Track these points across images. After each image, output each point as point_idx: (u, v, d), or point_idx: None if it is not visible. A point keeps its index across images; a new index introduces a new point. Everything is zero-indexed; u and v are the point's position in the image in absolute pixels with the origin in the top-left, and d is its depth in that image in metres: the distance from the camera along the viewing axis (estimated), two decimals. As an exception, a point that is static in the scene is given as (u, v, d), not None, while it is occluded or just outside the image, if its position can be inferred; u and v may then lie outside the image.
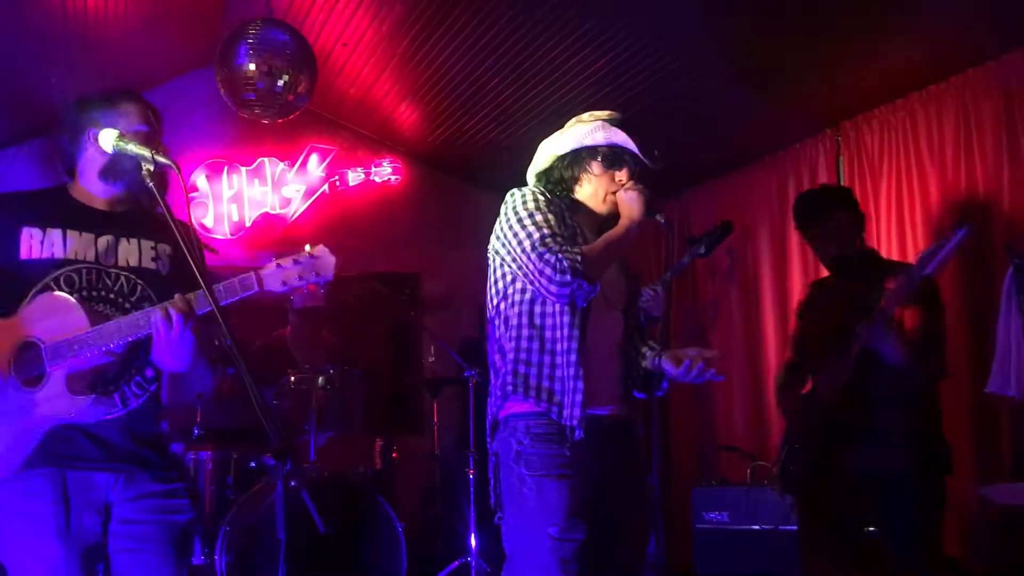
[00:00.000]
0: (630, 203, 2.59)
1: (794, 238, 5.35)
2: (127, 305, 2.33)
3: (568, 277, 2.43)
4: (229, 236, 6.39)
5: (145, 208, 2.46)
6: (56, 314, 2.21)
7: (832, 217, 3.45)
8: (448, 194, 6.90)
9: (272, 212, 6.51)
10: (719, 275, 5.97)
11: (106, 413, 2.27)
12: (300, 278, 2.19)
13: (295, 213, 6.56)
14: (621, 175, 2.64)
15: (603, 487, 2.52)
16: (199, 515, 4.51)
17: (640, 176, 2.67)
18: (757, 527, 4.43)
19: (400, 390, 6.53)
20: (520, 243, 2.52)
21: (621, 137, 2.64)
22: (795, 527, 3.80)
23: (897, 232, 4.59)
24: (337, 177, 6.62)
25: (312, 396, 4.73)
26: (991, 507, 3.74)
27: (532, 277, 2.51)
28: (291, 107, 4.54)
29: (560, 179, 2.70)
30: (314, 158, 6.60)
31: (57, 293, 2.25)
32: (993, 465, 3.99)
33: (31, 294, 2.27)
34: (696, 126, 5.34)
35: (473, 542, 5.01)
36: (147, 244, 2.43)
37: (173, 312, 2.14)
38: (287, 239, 6.57)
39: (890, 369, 3.15)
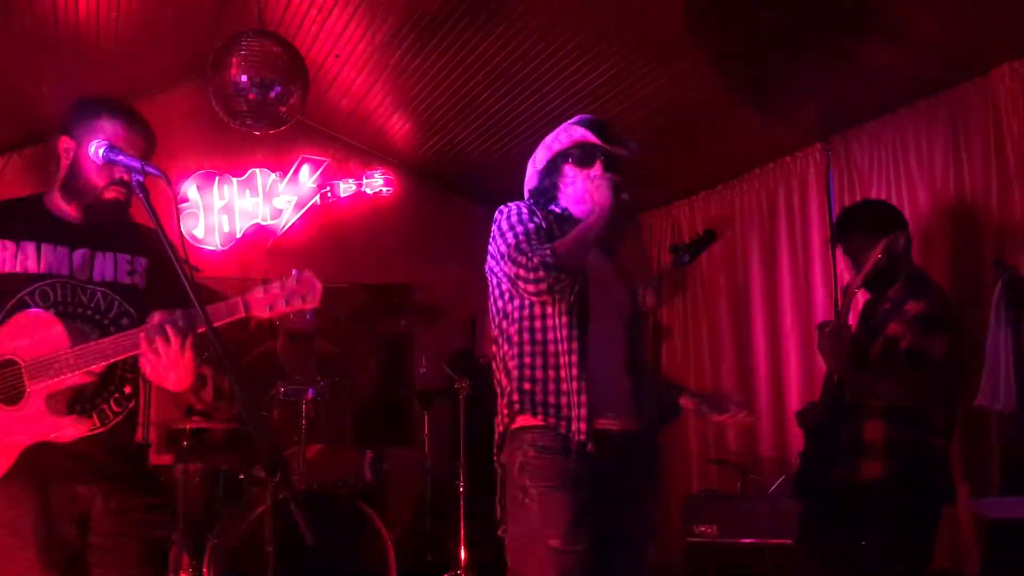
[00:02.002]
0: (597, 191, 2.62)
1: (784, 250, 5.37)
2: (105, 322, 2.30)
3: (541, 273, 2.46)
4: (220, 247, 6.38)
5: (121, 219, 2.41)
6: (35, 331, 2.17)
7: (849, 238, 3.42)
8: (439, 206, 6.91)
9: (263, 223, 6.50)
10: (709, 287, 5.98)
11: (86, 428, 2.25)
12: (286, 303, 2.17)
13: (286, 224, 6.55)
14: (595, 170, 2.66)
15: (611, 500, 2.53)
16: (183, 528, 4.48)
17: (613, 165, 2.68)
18: (748, 540, 4.43)
19: (391, 402, 6.52)
20: (502, 255, 2.57)
21: (585, 134, 2.68)
22: (785, 540, 3.79)
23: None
24: (328, 188, 6.62)
25: (302, 407, 4.71)
26: (980, 520, 3.75)
27: (513, 284, 2.55)
28: (283, 118, 4.54)
29: (545, 190, 2.75)
30: (305, 169, 6.60)
31: (35, 310, 2.21)
32: (982, 478, 4.00)
33: (6, 309, 2.23)
34: (686, 139, 5.37)
35: (463, 555, 4.99)
36: (123, 258, 2.38)
37: (171, 331, 2.11)
38: (278, 250, 6.57)
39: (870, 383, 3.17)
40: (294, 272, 2.20)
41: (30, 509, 2.19)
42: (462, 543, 4.99)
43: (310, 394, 4.74)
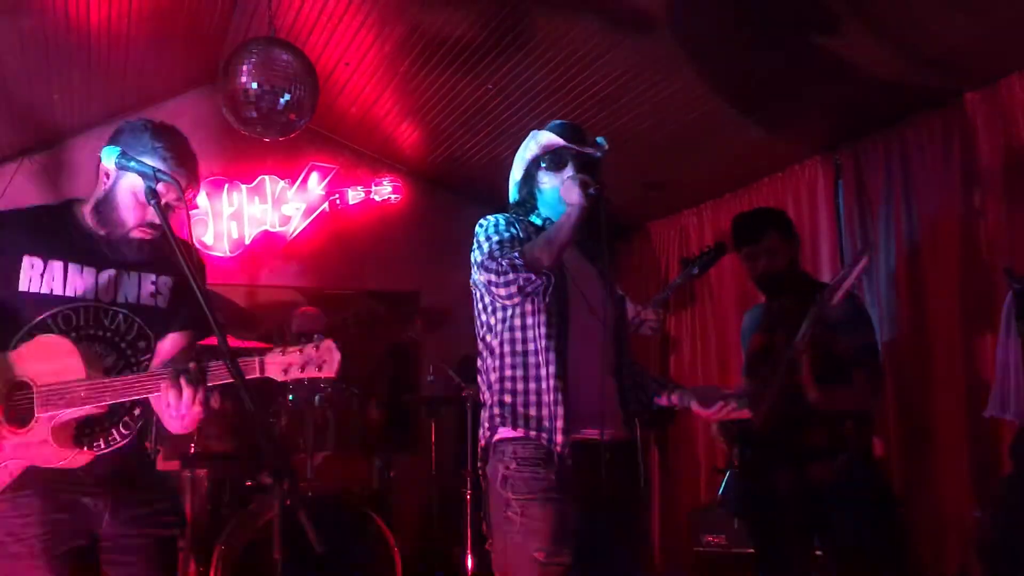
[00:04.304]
0: (567, 192, 2.60)
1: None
2: (123, 344, 2.32)
3: (510, 275, 2.45)
4: (228, 253, 6.40)
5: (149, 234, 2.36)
6: (52, 358, 2.16)
7: (761, 238, 3.46)
8: (448, 213, 6.91)
9: (272, 230, 6.52)
10: (717, 297, 5.97)
11: (88, 458, 2.25)
12: (302, 369, 2.17)
13: (295, 231, 6.57)
14: (567, 172, 2.66)
15: (595, 510, 2.51)
16: (190, 534, 4.49)
17: (585, 166, 2.67)
18: (756, 550, 4.41)
19: (398, 409, 6.52)
20: (477, 264, 2.57)
21: (552, 138, 2.69)
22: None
23: (896, 255, 4.60)
24: (337, 195, 6.64)
25: (309, 415, 4.72)
26: (988, 531, 3.73)
27: (489, 292, 2.55)
28: (292, 126, 4.55)
29: (524, 201, 2.77)
30: (314, 176, 6.62)
31: (57, 336, 2.20)
32: (991, 489, 3.98)
33: (27, 329, 2.23)
34: (695, 148, 5.36)
35: (469, 563, 4.99)
36: (148, 278, 2.38)
37: (186, 384, 2.11)
38: (287, 257, 6.58)
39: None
40: (316, 338, 2.19)
41: (37, 519, 2.20)
42: (469, 550, 4.99)
43: (317, 401, 4.75)
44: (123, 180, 2.28)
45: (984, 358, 3.84)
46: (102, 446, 2.30)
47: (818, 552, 3.36)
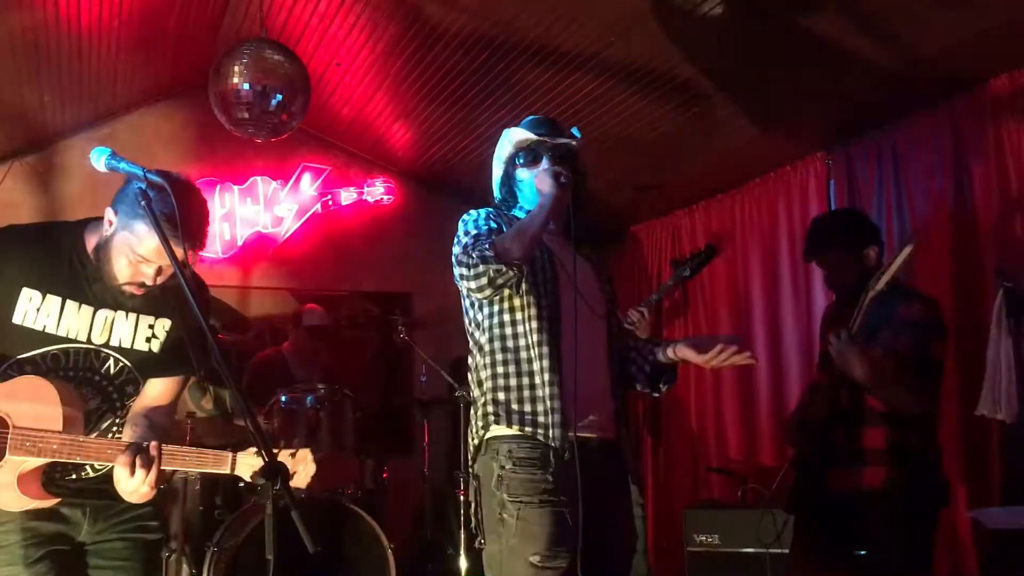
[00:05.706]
0: (540, 183, 2.61)
1: (785, 261, 5.37)
2: (110, 388, 2.30)
3: (480, 268, 2.42)
4: (221, 255, 6.39)
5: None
6: (34, 401, 2.12)
7: (828, 252, 3.42)
8: (440, 214, 6.87)
9: (264, 231, 6.51)
10: (709, 296, 5.98)
11: (51, 503, 2.22)
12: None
13: (287, 232, 6.56)
14: (544, 166, 2.66)
15: (590, 511, 2.49)
16: (183, 536, 4.47)
17: (561, 158, 2.66)
18: (748, 549, 4.42)
19: (391, 410, 6.51)
20: (453, 260, 2.55)
21: (525, 134, 2.69)
22: (787, 549, 3.78)
23: (887, 255, 4.60)
24: (330, 196, 6.64)
25: (302, 416, 4.70)
26: (981, 531, 3.74)
27: (463, 289, 2.53)
28: (284, 126, 4.55)
29: (505, 199, 2.78)
30: (307, 177, 6.61)
31: (43, 381, 2.15)
32: (983, 488, 3.99)
33: (15, 362, 2.20)
34: (687, 147, 5.37)
35: (463, 564, 4.98)
36: (145, 321, 2.33)
37: (139, 466, 2.07)
38: (279, 258, 6.57)
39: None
40: (295, 443, 2.18)
41: (15, 527, 2.19)
42: (462, 552, 4.99)
43: (309, 402, 4.74)
44: (119, 237, 2.19)
45: (975, 357, 3.84)
46: (74, 479, 2.28)
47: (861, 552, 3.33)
